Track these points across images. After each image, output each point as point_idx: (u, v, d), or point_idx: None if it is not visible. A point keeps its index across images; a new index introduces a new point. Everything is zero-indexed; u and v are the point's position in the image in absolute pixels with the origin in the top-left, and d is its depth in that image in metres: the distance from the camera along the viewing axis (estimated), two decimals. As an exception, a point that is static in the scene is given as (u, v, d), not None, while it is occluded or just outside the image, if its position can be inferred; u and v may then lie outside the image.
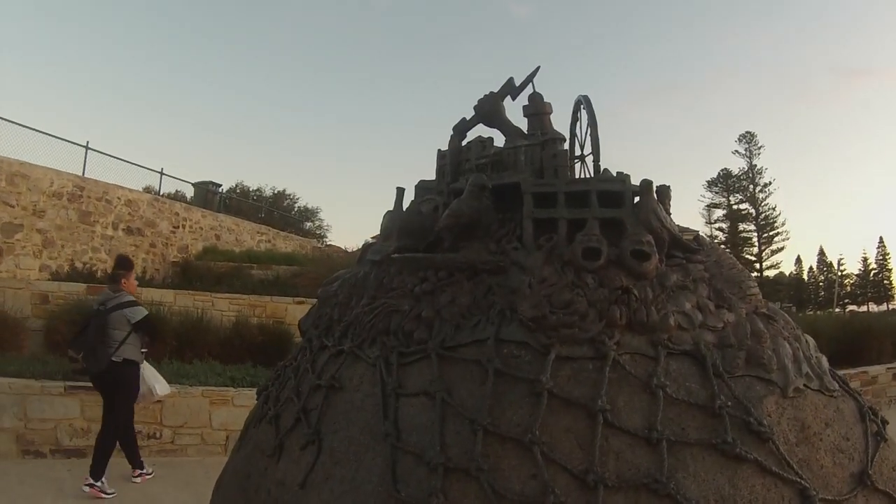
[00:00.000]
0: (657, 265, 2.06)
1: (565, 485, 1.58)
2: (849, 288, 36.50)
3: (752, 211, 34.05)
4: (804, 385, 1.90)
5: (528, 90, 2.96)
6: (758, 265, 33.12)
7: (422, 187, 3.42)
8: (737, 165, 33.46)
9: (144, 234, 16.16)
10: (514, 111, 3.05)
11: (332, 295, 2.93)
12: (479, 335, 1.95)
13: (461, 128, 3.45)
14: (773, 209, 33.09)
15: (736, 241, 32.49)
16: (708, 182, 34.44)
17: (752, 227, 33.60)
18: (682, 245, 2.23)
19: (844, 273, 37.10)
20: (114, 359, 5.54)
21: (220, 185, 26.30)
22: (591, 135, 2.59)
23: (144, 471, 6.05)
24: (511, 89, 3.14)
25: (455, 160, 3.04)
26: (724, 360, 1.87)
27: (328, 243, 29.41)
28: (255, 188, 35.25)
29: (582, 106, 2.78)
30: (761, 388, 1.83)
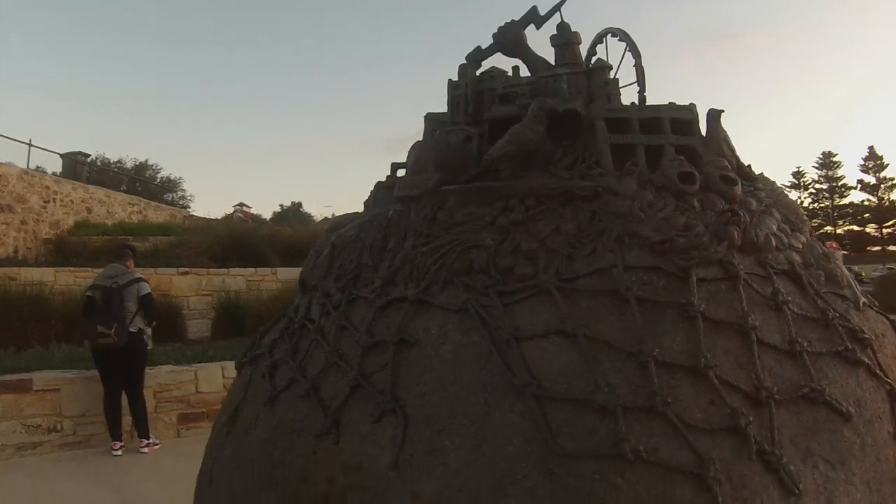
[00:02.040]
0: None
1: (739, 406, 1.49)
2: None
3: None
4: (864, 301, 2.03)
5: (555, 19, 2.76)
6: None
7: (432, 119, 3.07)
8: None
9: (15, 210, 15.18)
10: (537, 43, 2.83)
11: (352, 240, 2.51)
12: (600, 264, 1.77)
13: (476, 57, 3.14)
14: None
15: None
16: None
17: None
18: (746, 173, 2.24)
19: None
20: (130, 329, 5.85)
21: (90, 156, 25.95)
22: (636, 66, 2.47)
23: (152, 440, 6.07)
24: (535, 18, 2.92)
25: (475, 90, 2.74)
26: (811, 278, 1.92)
27: (189, 214, 27.08)
28: (116, 160, 34.25)
29: (615, 37, 2.64)
30: (842, 303, 1.91)
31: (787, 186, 33.18)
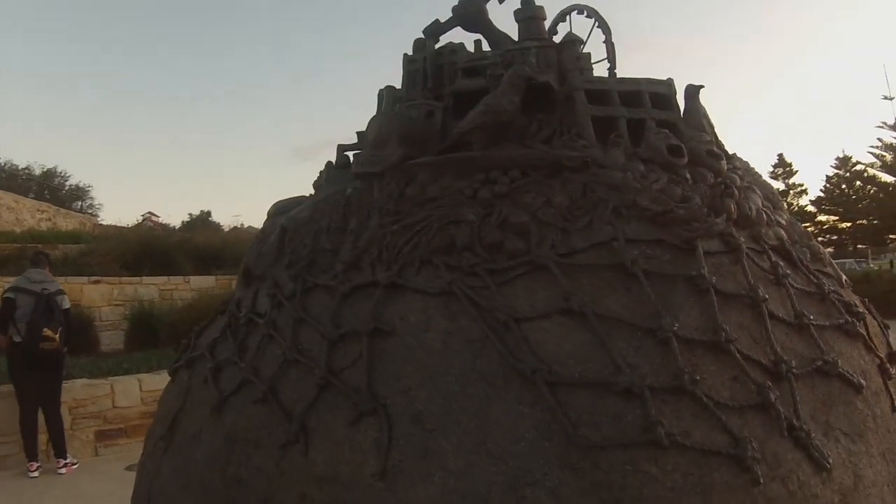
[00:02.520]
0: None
1: (760, 381, 1.38)
2: None
3: None
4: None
5: None
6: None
7: (391, 95, 2.82)
8: None
9: (-79, 217, 13.01)
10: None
11: (305, 222, 2.20)
12: (599, 237, 1.62)
13: (435, 30, 2.93)
14: None
15: None
16: None
17: None
18: (724, 151, 2.21)
19: None
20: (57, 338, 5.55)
21: (-2, 160, 23.53)
22: (606, 42, 2.38)
23: (69, 459, 5.69)
24: None
25: (435, 64, 2.53)
26: (800, 254, 1.89)
27: (99, 222, 25.22)
28: (24, 166, 33.58)
29: (581, 14, 2.54)
30: (828, 280, 1.90)
31: None
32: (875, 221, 33.73)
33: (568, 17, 2.63)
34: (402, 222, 1.88)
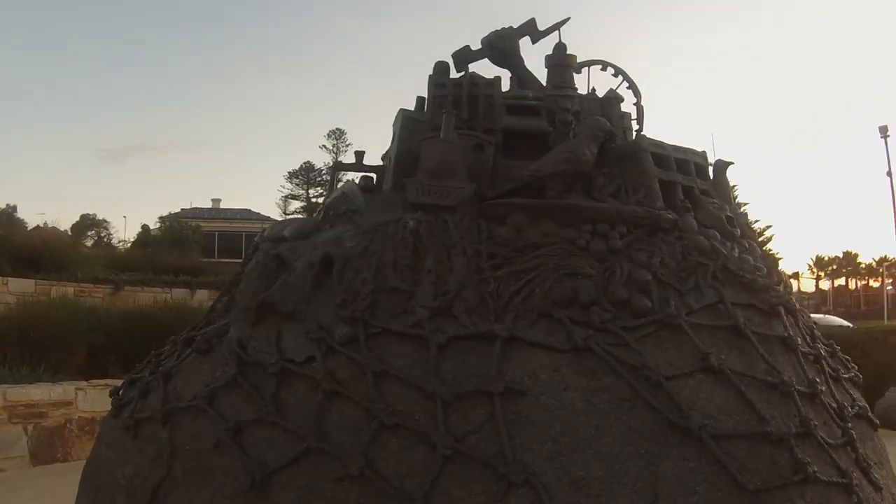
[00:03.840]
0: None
1: (841, 424, 1.71)
2: None
3: None
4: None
5: (553, 38, 2.68)
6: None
7: (409, 118, 2.61)
8: (322, 160, 34.42)
9: None
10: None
11: (360, 254, 1.94)
12: (707, 299, 1.78)
13: (465, 58, 2.80)
14: None
15: None
16: (289, 173, 33.05)
17: None
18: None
19: None
20: None
21: None
22: (636, 105, 2.58)
23: None
24: (532, 31, 2.76)
25: (470, 94, 2.47)
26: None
27: None
28: None
29: (604, 70, 2.70)
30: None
31: None
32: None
33: (588, 69, 2.75)
34: (506, 268, 1.79)
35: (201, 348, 2.17)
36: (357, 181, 2.57)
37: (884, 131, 13.58)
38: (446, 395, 1.58)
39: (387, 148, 2.98)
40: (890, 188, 13.47)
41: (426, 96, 2.78)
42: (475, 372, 1.63)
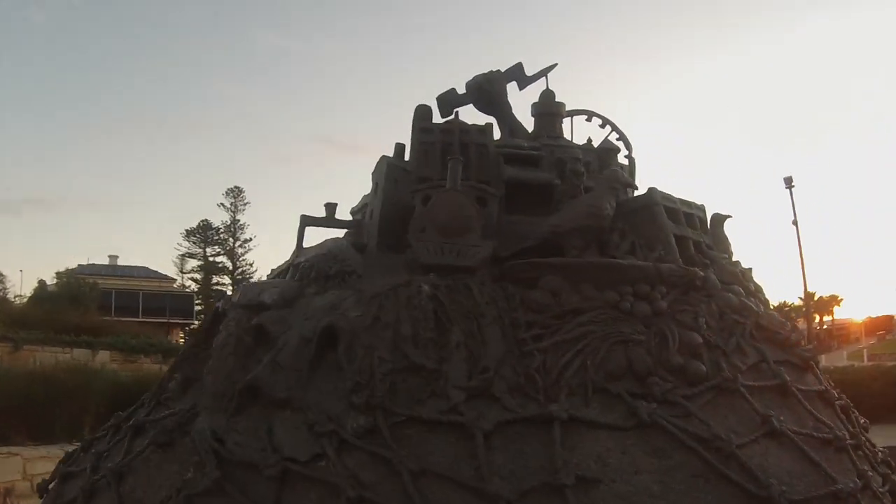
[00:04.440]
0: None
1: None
2: None
3: (230, 265, 31.72)
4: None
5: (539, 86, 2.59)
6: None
7: (393, 166, 2.38)
8: (219, 218, 32.35)
9: None
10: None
11: (369, 326, 1.67)
12: (750, 359, 1.71)
13: (451, 102, 2.62)
14: (251, 265, 32.16)
15: (209, 293, 29.78)
16: (187, 231, 31.54)
17: (228, 281, 31.23)
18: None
19: None
20: None
21: None
22: (628, 157, 2.53)
23: None
24: (519, 76, 2.64)
25: (461, 140, 2.33)
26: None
27: None
28: None
29: (589, 120, 2.64)
30: None
31: None
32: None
33: (571, 118, 2.68)
34: (549, 339, 1.59)
35: (160, 441, 1.74)
36: (342, 238, 2.29)
37: (788, 182, 15.08)
38: (510, 495, 1.34)
39: (357, 201, 2.71)
40: (796, 236, 14.90)
41: (409, 142, 2.60)
42: (535, 463, 1.41)
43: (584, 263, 1.77)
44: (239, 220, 31.46)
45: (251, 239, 31.91)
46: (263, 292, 1.92)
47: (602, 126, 2.62)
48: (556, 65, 2.74)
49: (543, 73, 2.68)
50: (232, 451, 1.57)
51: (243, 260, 31.86)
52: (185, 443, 1.69)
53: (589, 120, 2.69)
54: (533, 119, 2.62)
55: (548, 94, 2.63)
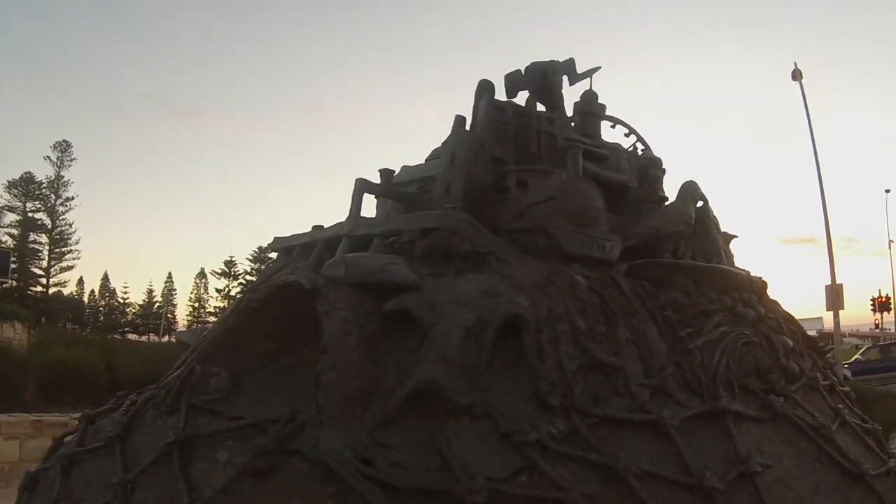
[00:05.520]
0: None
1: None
2: (130, 317, 37.19)
3: (49, 223, 30.03)
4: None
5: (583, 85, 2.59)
6: (44, 280, 29.99)
7: (475, 140, 2.14)
8: (44, 173, 30.19)
9: None
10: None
11: (548, 317, 1.52)
12: (808, 362, 2.02)
13: (517, 83, 2.37)
14: (71, 226, 30.57)
15: (25, 251, 28.73)
16: (8, 183, 29.30)
17: (45, 240, 30.19)
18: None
19: (127, 302, 38.58)
20: None
21: None
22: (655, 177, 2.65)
23: None
24: (571, 72, 2.55)
25: (534, 128, 2.30)
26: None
27: None
28: None
29: (612, 126, 2.77)
30: None
31: (218, 274, 33.81)
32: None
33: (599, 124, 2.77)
34: (700, 338, 1.67)
35: (260, 467, 1.31)
36: (451, 210, 1.93)
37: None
38: (719, 485, 1.41)
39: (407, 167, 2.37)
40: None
41: (471, 114, 2.38)
42: (719, 455, 1.50)
43: (708, 268, 1.92)
44: (63, 177, 30.10)
45: (74, 198, 30.34)
46: (386, 268, 1.57)
47: (627, 135, 2.80)
48: (599, 67, 2.81)
49: (589, 73, 2.73)
50: (391, 475, 1.28)
51: (63, 219, 30.37)
52: (293, 467, 1.31)
53: (613, 127, 2.84)
54: (575, 117, 2.66)
55: (590, 95, 2.69)
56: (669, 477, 1.41)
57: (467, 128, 2.34)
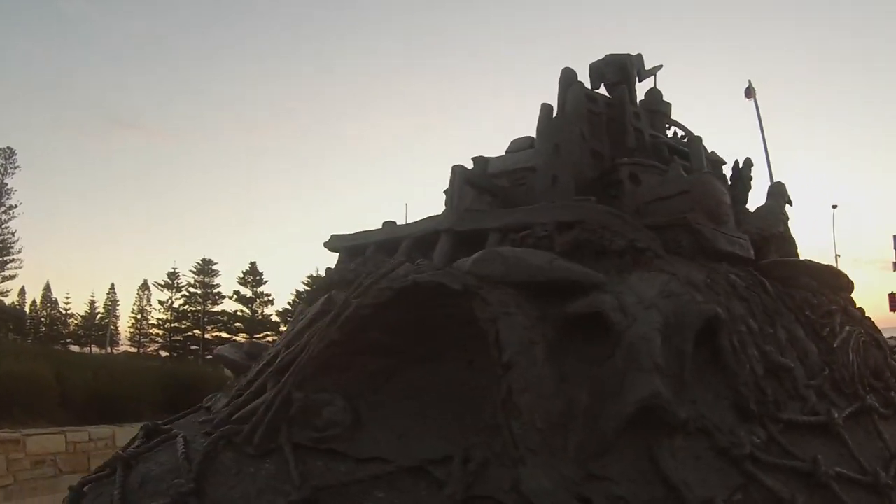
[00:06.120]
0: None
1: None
2: (72, 328, 35.68)
3: None
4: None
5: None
6: (-14, 291, 30.18)
7: (580, 130, 2.00)
8: None
9: None
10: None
11: (731, 318, 1.44)
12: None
13: (602, 74, 2.30)
14: (13, 234, 29.95)
15: None
16: None
17: None
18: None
19: (69, 313, 36.73)
20: None
21: None
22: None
23: None
24: (641, 67, 2.49)
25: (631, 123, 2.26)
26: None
27: None
28: None
29: (670, 129, 2.77)
30: None
31: (161, 285, 32.60)
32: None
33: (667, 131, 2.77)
34: (838, 338, 1.69)
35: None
36: (594, 203, 1.75)
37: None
38: (892, 481, 1.43)
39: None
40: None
41: (556, 102, 2.24)
42: (872, 452, 1.53)
43: (826, 268, 1.95)
44: (7, 184, 29.32)
45: (17, 206, 29.79)
46: (555, 263, 1.40)
47: (684, 137, 2.81)
48: (662, 66, 2.81)
49: (654, 70, 2.72)
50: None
51: (6, 227, 29.54)
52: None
53: (669, 128, 2.85)
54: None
55: (655, 93, 2.68)
56: (853, 477, 1.41)
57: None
